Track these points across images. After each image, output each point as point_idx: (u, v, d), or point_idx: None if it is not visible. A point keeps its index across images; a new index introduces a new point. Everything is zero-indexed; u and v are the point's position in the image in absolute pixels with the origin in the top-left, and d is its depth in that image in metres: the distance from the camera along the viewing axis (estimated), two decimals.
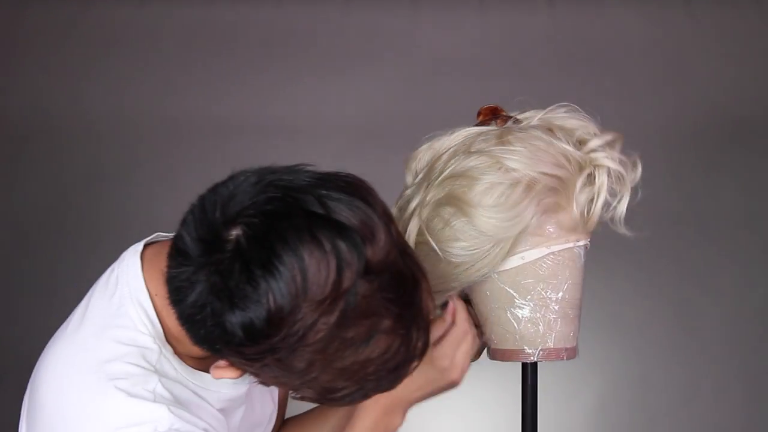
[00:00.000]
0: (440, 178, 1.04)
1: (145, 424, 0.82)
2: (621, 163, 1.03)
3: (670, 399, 2.66)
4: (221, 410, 0.95)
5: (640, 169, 1.05)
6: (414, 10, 2.70)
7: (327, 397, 0.84)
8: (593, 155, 1.02)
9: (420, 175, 1.09)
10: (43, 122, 2.67)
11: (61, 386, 0.87)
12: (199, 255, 0.77)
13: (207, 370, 0.91)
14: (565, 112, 1.06)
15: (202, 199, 0.81)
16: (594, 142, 1.03)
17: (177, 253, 0.80)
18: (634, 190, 1.06)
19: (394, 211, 1.10)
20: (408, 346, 0.82)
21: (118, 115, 2.66)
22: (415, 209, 1.06)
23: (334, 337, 0.77)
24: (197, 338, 0.82)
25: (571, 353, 1.05)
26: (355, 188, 0.81)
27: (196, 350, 0.87)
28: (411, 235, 1.06)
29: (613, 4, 2.69)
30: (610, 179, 1.02)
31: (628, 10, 2.68)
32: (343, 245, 0.75)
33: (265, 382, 0.85)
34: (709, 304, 2.65)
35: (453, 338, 1.03)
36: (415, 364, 0.85)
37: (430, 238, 1.03)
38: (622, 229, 1.06)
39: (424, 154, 1.10)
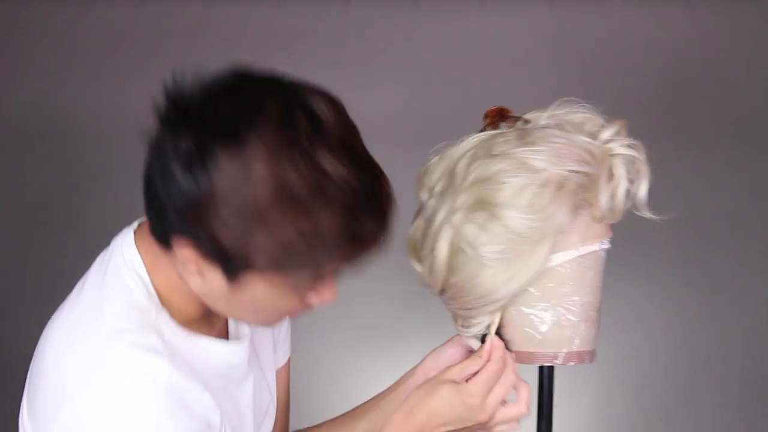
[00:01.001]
0: (466, 184, 1.02)
1: (145, 376, 0.84)
2: (633, 147, 1.02)
3: (670, 399, 2.66)
4: (220, 378, 0.95)
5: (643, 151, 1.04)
6: (414, 10, 2.71)
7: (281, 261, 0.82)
8: (608, 146, 1.01)
9: (438, 185, 1.07)
10: (43, 122, 2.67)
11: (62, 349, 0.89)
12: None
13: (204, 330, 0.94)
14: (569, 106, 1.05)
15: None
16: (607, 133, 1.02)
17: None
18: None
19: (418, 223, 1.07)
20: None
21: (118, 115, 2.66)
22: (445, 218, 1.03)
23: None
24: (151, 214, 0.89)
25: (592, 356, 1.05)
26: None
27: (191, 310, 0.91)
28: (444, 245, 1.03)
29: (614, 3, 2.70)
30: (625, 167, 1.01)
31: (628, 10, 2.68)
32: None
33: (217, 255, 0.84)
34: (709, 304, 2.65)
35: (486, 376, 0.99)
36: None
37: (465, 246, 1.01)
38: (648, 213, 1.05)
39: (436, 167, 1.08)
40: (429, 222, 1.06)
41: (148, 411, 0.84)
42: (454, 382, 1.01)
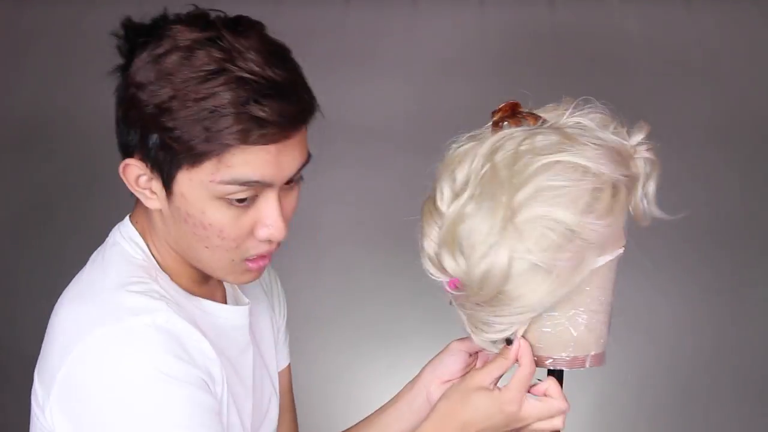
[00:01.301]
0: (518, 183, 0.95)
1: (144, 315, 0.89)
2: (653, 150, 1.04)
3: (670, 399, 2.66)
4: (218, 340, 0.97)
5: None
6: (414, 11, 2.70)
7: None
8: (638, 148, 1.02)
9: (471, 186, 0.99)
10: (43, 122, 2.67)
11: (69, 308, 0.96)
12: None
13: (204, 295, 1.00)
14: (587, 106, 1.03)
15: None
16: (638, 136, 1.02)
17: None
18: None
19: (457, 214, 0.99)
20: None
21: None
22: (502, 221, 0.96)
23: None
24: (121, 151, 0.95)
25: (604, 359, 1.05)
26: None
27: (188, 273, 0.99)
28: (504, 251, 0.96)
29: (613, 3, 2.70)
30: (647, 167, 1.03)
31: (628, 10, 2.68)
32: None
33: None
34: (709, 304, 2.65)
35: (520, 382, 0.98)
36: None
37: (526, 252, 0.95)
38: (657, 212, 1.05)
39: (464, 157, 1.01)
40: (472, 218, 0.98)
41: (148, 346, 0.87)
42: (486, 388, 0.99)
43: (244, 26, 0.91)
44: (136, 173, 0.94)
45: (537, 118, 1.03)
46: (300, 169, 0.94)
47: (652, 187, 1.03)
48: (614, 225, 0.98)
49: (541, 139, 0.97)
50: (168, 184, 0.92)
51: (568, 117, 1.03)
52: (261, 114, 0.87)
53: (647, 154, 1.02)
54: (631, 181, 1.00)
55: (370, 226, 2.41)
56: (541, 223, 0.95)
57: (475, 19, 2.70)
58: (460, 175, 1.01)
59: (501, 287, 0.97)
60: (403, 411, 1.16)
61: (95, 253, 1.03)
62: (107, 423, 0.86)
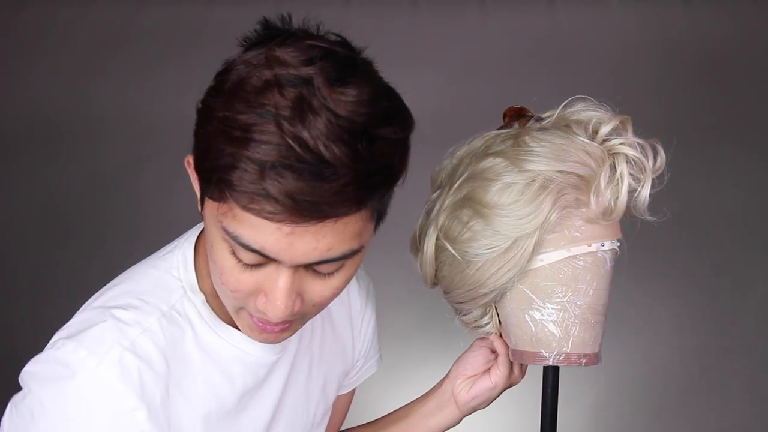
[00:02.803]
0: (458, 182, 1.03)
1: (90, 361, 0.82)
2: (638, 146, 1.00)
3: (670, 399, 2.66)
4: (240, 376, 0.94)
5: (662, 153, 1.02)
6: (414, 11, 2.70)
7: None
8: (608, 144, 1.00)
9: (441, 183, 1.09)
10: (43, 122, 2.67)
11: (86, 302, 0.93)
12: None
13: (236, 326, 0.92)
14: (580, 105, 1.03)
15: None
16: (603, 129, 1.00)
17: None
18: (660, 176, 1.03)
19: (421, 219, 1.11)
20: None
21: (118, 115, 2.66)
22: (435, 214, 1.05)
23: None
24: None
25: (592, 360, 1.03)
26: None
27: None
28: (431, 240, 1.05)
29: (613, 3, 2.70)
30: (630, 165, 0.99)
31: (628, 10, 2.68)
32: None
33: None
34: (709, 304, 2.65)
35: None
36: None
37: (446, 243, 1.02)
38: (646, 216, 1.05)
39: (447, 165, 1.09)
40: (426, 218, 1.09)
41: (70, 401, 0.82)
42: None
43: (353, 76, 0.77)
44: (192, 174, 0.83)
45: (540, 119, 1.06)
46: (328, 262, 0.78)
47: (643, 191, 1.01)
48: (538, 219, 0.98)
49: (499, 141, 1.03)
50: (201, 198, 0.82)
51: (556, 118, 1.04)
52: (270, 187, 0.71)
53: (622, 150, 0.99)
54: (581, 179, 0.98)
55: None
56: (462, 215, 1.02)
57: (475, 20, 2.70)
58: (438, 179, 1.11)
59: (437, 274, 1.07)
60: (431, 407, 1.18)
61: (162, 249, 0.98)
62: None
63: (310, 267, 0.78)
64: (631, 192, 1.00)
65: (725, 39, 2.68)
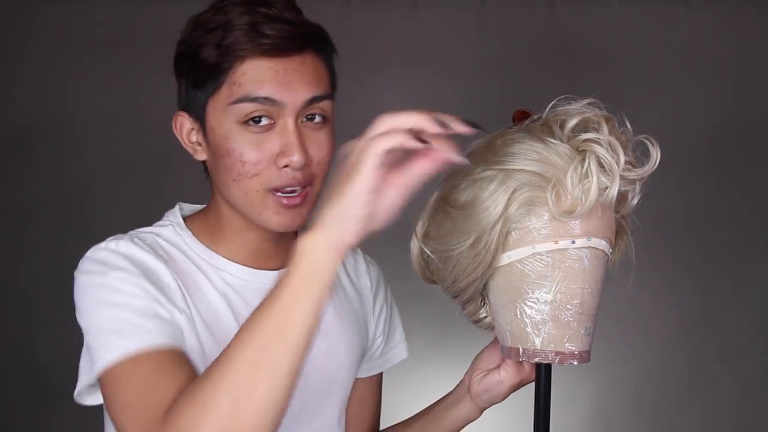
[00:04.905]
0: (441, 183, 1.07)
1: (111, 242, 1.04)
2: (598, 142, 0.98)
3: (670, 399, 2.66)
4: (225, 294, 1.06)
5: (655, 152, 1.00)
6: (414, 11, 2.71)
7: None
8: (576, 140, 0.99)
9: None
10: (42, 122, 2.67)
11: None
12: None
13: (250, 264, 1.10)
14: (564, 104, 1.03)
15: None
16: (569, 124, 1.00)
17: None
18: (644, 183, 1.03)
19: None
20: None
21: (118, 115, 2.66)
22: (420, 216, 1.10)
23: None
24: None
25: (567, 358, 1.01)
26: None
27: (245, 244, 1.09)
28: (414, 240, 1.10)
29: (613, 3, 2.70)
30: (597, 163, 0.98)
31: (628, 10, 2.68)
32: None
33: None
34: (709, 304, 2.65)
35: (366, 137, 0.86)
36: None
37: (422, 241, 1.09)
38: (631, 215, 1.05)
39: None
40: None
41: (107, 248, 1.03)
42: None
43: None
44: (186, 126, 1.06)
45: (535, 120, 1.07)
46: (317, 100, 1.00)
47: (611, 189, 0.98)
48: (491, 215, 0.99)
49: (480, 144, 1.05)
50: (203, 122, 1.03)
51: (542, 119, 1.05)
52: (267, 31, 0.97)
53: (589, 147, 0.98)
54: (543, 178, 0.98)
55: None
56: (435, 216, 1.07)
57: (475, 20, 2.70)
58: None
59: (426, 270, 1.11)
60: (452, 400, 1.23)
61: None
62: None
63: (305, 119, 1.01)
64: (603, 189, 0.98)
65: (725, 39, 2.68)
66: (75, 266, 1.05)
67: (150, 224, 1.13)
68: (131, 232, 1.08)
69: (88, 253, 1.04)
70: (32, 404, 2.52)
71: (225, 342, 0.86)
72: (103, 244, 1.04)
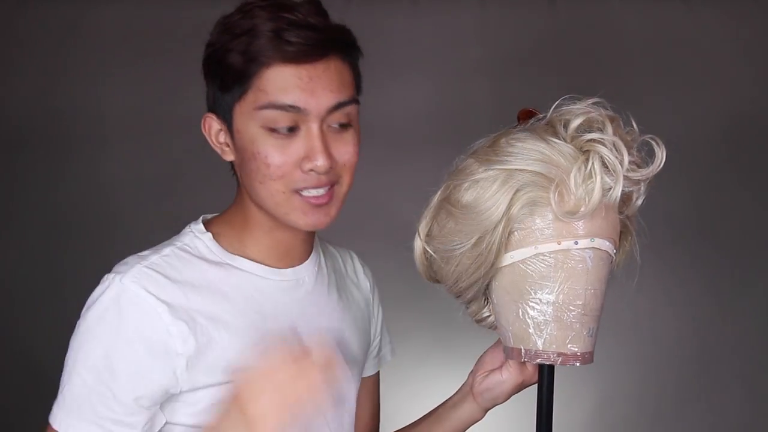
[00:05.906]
0: (444, 183, 1.07)
1: (120, 275, 1.01)
2: (602, 142, 0.98)
3: (670, 399, 2.66)
4: (250, 299, 1.06)
5: (660, 152, 1.00)
6: (414, 11, 2.70)
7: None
8: (580, 140, 0.99)
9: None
10: (42, 122, 2.66)
11: None
12: None
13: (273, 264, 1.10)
14: (569, 103, 1.03)
15: None
16: (573, 124, 1.00)
17: None
18: (650, 182, 1.02)
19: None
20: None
21: (118, 115, 2.66)
22: (422, 216, 1.10)
23: None
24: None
25: (569, 359, 1.01)
26: None
27: (270, 245, 1.09)
28: (417, 240, 1.10)
29: (614, 3, 2.70)
30: (600, 164, 0.98)
31: (628, 10, 2.68)
32: None
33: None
34: (709, 304, 2.65)
35: None
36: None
37: (426, 241, 1.08)
38: (636, 215, 1.05)
39: (455, 163, 1.12)
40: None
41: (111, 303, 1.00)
42: None
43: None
44: (215, 128, 1.06)
45: (539, 119, 1.07)
46: (341, 106, 1.03)
47: (615, 190, 0.98)
48: (497, 212, 0.99)
49: (482, 144, 1.05)
50: (230, 125, 1.03)
51: (547, 118, 1.05)
52: (291, 38, 0.98)
53: (593, 147, 0.97)
54: (545, 178, 0.98)
55: (371, 227, 2.41)
56: (439, 215, 1.06)
57: (475, 19, 2.70)
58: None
59: (428, 269, 1.11)
60: (456, 399, 1.24)
61: None
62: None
63: (329, 125, 1.02)
64: (607, 189, 0.98)
65: (725, 39, 2.68)
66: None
67: (164, 229, 1.14)
68: (146, 255, 1.06)
69: (95, 297, 1.02)
70: (32, 404, 2.52)
71: (247, 339, 0.93)
72: (107, 284, 1.02)
